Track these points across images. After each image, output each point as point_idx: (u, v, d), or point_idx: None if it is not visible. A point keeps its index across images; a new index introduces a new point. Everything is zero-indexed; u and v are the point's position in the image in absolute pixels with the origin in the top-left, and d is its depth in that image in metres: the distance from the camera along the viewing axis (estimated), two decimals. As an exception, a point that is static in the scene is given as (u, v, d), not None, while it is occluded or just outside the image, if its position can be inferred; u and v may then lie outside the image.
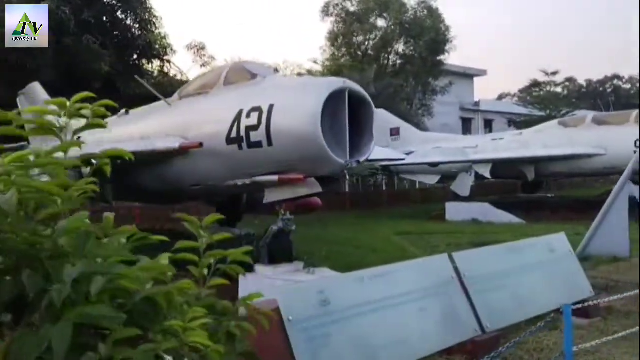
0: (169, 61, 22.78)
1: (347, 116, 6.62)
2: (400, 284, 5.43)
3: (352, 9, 35.24)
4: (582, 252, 11.90)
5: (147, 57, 22.41)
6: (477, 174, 19.80)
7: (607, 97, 62.56)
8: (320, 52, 35.54)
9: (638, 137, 17.34)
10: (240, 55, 31.02)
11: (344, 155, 6.68)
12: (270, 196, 7.34)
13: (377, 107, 27.25)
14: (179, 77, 24.09)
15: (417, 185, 30.46)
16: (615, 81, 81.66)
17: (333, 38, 35.16)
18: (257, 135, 6.78)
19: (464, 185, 19.70)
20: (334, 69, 34.41)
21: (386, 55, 35.87)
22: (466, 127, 52.75)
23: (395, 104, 30.49)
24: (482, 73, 54.51)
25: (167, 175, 8.44)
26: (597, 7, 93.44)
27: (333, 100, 6.66)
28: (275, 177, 6.94)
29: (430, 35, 31.30)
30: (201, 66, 22.88)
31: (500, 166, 19.97)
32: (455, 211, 19.67)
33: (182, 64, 64.92)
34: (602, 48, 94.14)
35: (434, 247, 13.30)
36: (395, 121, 25.33)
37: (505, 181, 27.53)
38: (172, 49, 22.88)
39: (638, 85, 40.58)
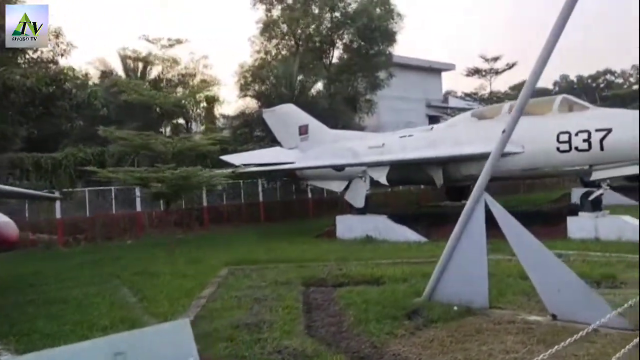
0: (22, 51, 18.97)
1: None
2: None
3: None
4: (428, 297, 8.10)
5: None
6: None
7: (594, 92, 58.80)
8: (249, 43, 31.73)
9: (560, 130, 13.55)
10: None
11: None
12: None
13: (300, 104, 23.54)
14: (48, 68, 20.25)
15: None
16: (608, 76, 78.82)
17: (264, 27, 31.35)
18: None
19: (357, 194, 15.88)
20: (262, 62, 30.74)
21: (327, 47, 32.06)
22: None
23: (322, 100, 26.74)
24: (449, 67, 50.51)
25: None
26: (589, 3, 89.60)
27: None
28: None
29: (362, 21, 27.37)
30: (60, 55, 19.12)
31: (404, 169, 16.15)
32: (346, 227, 15.89)
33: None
34: (593, 43, 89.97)
35: (238, 289, 9.44)
36: (305, 118, 21.51)
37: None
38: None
39: (638, 77, 37.45)
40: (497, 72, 32.68)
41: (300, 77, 28.55)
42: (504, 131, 7.80)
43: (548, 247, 12.28)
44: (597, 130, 12.82)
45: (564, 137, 13.28)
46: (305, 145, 20.99)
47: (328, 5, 28.61)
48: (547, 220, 14.99)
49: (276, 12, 31.55)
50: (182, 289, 9.22)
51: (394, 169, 15.69)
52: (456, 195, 19.29)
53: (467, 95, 32.21)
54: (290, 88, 26.44)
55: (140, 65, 24.49)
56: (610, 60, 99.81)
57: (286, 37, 32.08)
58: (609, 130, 12.69)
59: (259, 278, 10.19)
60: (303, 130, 21.27)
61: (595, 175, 13.18)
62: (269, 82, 27.37)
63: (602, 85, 75.07)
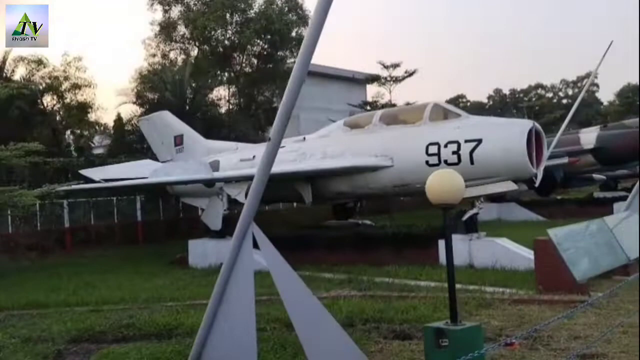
0: None
1: None
2: None
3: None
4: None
5: None
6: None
7: (525, 105, 59.46)
8: (143, 45, 29.11)
9: (429, 142, 11.89)
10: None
11: None
12: None
13: (192, 113, 21.18)
14: None
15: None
16: (539, 90, 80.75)
17: (161, 29, 28.86)
18: None
19: (213, 214, 13.76)
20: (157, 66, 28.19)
21: (231, 52, 29.83)
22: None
23: (215, 109, 24.58)
24: (374, 78, 49.37)
25: None
26: (524, 16, 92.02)
27: None
28: None
29: (261, 24, 25.40)
30: None
31: (270, 186, 14.06)
32: (200, 253, 13.76)
33: None
34: (528, 57, 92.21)
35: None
36: (180, 127, 19.23)
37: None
38: None
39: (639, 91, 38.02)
40: (396, 80, 31.42)
41: (198, 84, 26.32)
42: (269, 139, 5.82)
43: (412, 274, 10.77)
44: (466, 141, 11.24)
45: (433, 149, 11.63)
46: (180, 157, 18.71)
47: (226, 6, 26.45)
48: (423, 243, 13.30)
49: (175, 13, 29.23)
50: None
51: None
52: (343, 214, 17.44)
53: (365, 104, 30.82)
54: (180, 95, 24.09)
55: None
56: (542, 75, 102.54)
57: (190, 41, 29.83)
58: (479, 141, 11.13)
59: (19, 330, 7.83)
60: (178, 140, 18.98)
61: (467, 193, 11.53)
62: (158, 89, 24.89)
63: (533, 99, 76.79)
